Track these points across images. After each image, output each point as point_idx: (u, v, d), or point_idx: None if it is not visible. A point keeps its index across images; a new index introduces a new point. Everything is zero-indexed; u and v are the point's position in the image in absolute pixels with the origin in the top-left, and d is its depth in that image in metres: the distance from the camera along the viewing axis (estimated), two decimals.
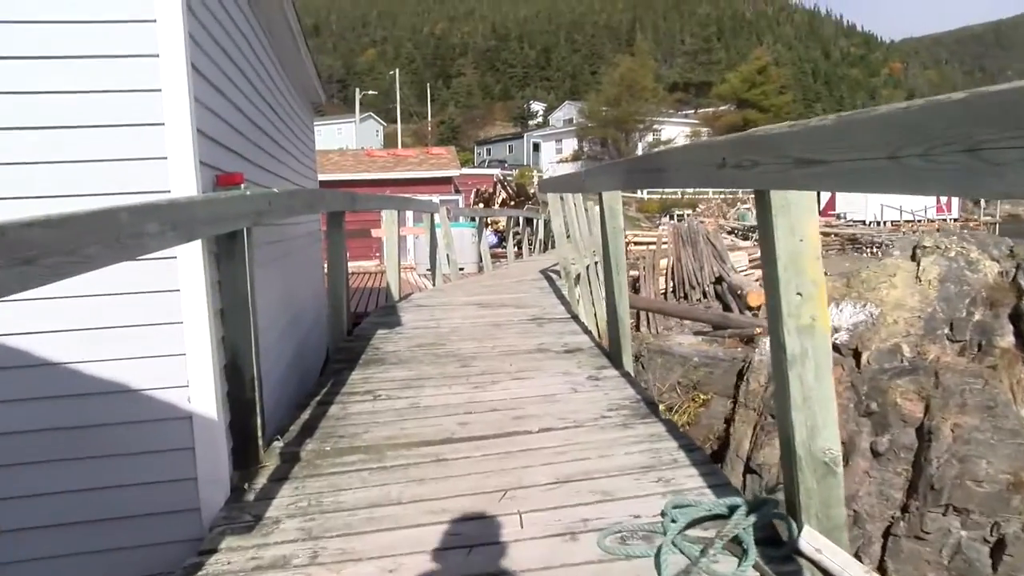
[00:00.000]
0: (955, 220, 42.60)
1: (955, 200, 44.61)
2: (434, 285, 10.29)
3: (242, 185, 3.39)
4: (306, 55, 6.99)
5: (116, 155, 2.77)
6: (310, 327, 6.77)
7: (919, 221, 39.87)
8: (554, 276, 10.14)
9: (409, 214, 18.10)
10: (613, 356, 4.66)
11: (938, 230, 38.32)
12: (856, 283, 5.49)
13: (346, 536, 2.51)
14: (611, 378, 4.25)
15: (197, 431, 2.97)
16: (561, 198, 8.91)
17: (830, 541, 2.09)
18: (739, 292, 13.70)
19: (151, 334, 2.87)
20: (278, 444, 3.49)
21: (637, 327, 13.37)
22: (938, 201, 43.07)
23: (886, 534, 4.52)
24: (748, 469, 4.80)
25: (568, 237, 9.12)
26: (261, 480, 3.11)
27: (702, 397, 6.79)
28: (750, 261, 17.41)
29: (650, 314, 13.31)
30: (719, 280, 15.05)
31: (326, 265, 6.21)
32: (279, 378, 5.03)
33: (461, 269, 15.93)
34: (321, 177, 21.89)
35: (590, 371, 4.43)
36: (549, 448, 3.15)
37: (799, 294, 2.12)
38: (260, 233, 4.90)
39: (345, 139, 59.06)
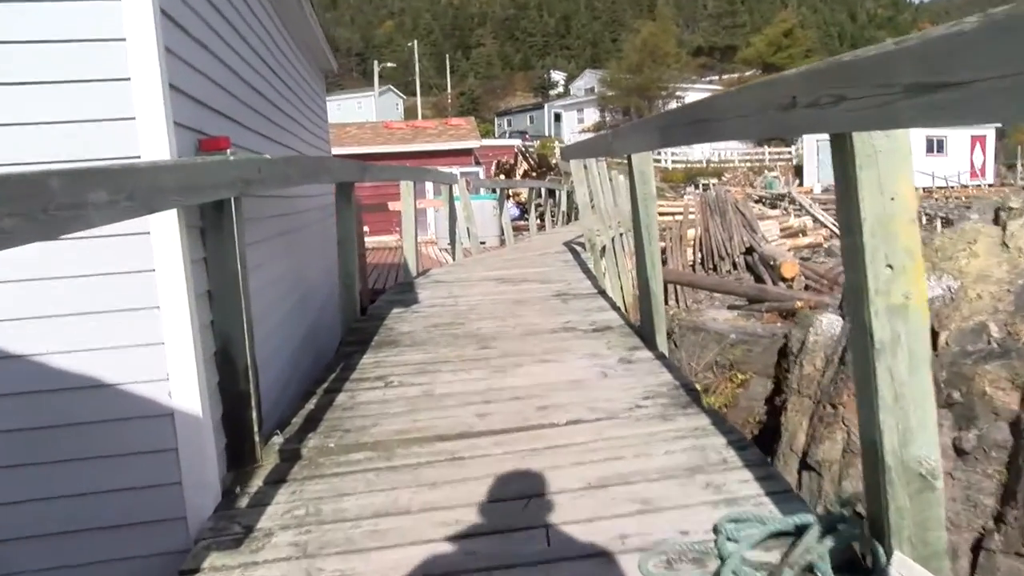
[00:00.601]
0: (990, 186, 41.34)
1: (990, 165, 43.34)
2: (454, 259, 9.93)
3: (228, 150, 3.02)
4: (311, 15, 6.59)
5: (72, 116, 2.40)
6: (323, 306, 6.44)
7: (952, 187, 38.74)
8: (579, 249, 9.73)
9: (429, 186, 17.71)
10: (645, 335, 4.27)
11: (952, 197, 37.21)
12: (928, 252, 4.79)
13: (345, 554, 2.16)
14: (645, 360, 3.86)
15: (180, 430, 2.63)
16: (585, 166, 8.48)
17: (928, 572, 1.70)
18: (772, 263, 13.12)
19: (122, 321, 2.52)
20: (278, 439, 3.15)
21: (666, 301, 12.95)
22: (972, 166, 41.84)
23: (976, 547, 4.01)
24: (804, 465, 4.30)
25: (592, 207, 8.69)
26: (256, 482, 2.78)
27: (740, 377, 6.33)
28: (781, 231, 16.83)
29: (679, 287, 12.87)
30: (750, 250, 14.53)
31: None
32: (286, 362, 4.71)
33: (482, 243, 15.57)
34: (339, 151, 21.65)
35: (621, 352, 4.04)
36: (578, 444, 2.78)
37: (889, 266, 1.71)
38: (263, 206, 4.55)
39: (365, 113, 58.56)
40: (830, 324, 4.31)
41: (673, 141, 2.98)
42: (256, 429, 3.02)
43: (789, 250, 15.11)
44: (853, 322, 1.82)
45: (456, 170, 17.31)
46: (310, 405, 3.59)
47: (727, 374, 6.33)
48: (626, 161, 4.25)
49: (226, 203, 2.92)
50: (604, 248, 8.70)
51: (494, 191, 16.47)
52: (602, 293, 6.03)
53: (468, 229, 10.88)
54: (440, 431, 3.04)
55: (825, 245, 17.50)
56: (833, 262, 15.92)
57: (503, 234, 13.99)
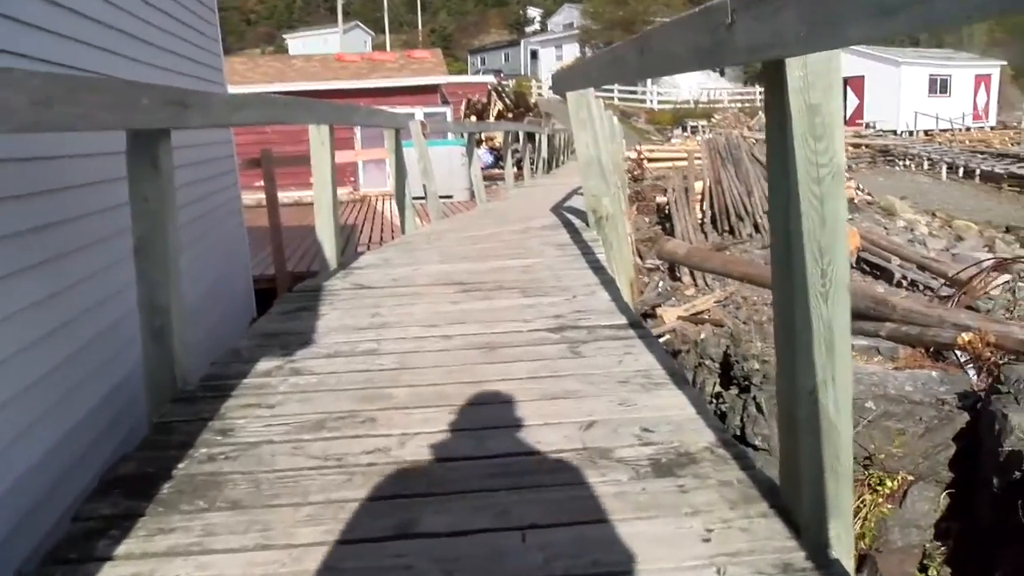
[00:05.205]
0: (992, 128, 39.02)
1: (993, 107, 41.00)
2: (404, 232, 7.30)
3: None
4: None
5: None
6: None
7: (957, 130, 36.39)
8: (573, 219, 7.13)
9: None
10: (802, 520, 1.73)
11: (956, 141, 34.70)
12: None
13: None
14: None
15: None
16: (588, 104, 5.83)
17: None
18: None
19: None
20: None
21: (675, 277, 10.38)
22: (975, 108, 39.46)
23: None
24: None
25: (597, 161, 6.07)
26: None
27: (889, 485, 3.60)
28: None
29: (686, 268, 10.23)
30: None
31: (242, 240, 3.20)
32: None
33: (449, 197, 12.95)
34: (283, 88, 18.55)
35: None
36: None
37: None
38: None
39: (331, 51, 55.04)
40: None
41: None
42: None
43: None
44: None
45: (419, 111, 14.49)
46: None
47: (864, 475, 3.64)
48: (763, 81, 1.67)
49: None
50: (608, 216, 6.16)
51: (463, 135, 13.80)
52: (635, 325, 3.45)
53: (425, 187, 8.23)
54: None
55: (856, 200, 14.88)
56: (868, 226, 13.40)
57: (473, 186, 11.40)
